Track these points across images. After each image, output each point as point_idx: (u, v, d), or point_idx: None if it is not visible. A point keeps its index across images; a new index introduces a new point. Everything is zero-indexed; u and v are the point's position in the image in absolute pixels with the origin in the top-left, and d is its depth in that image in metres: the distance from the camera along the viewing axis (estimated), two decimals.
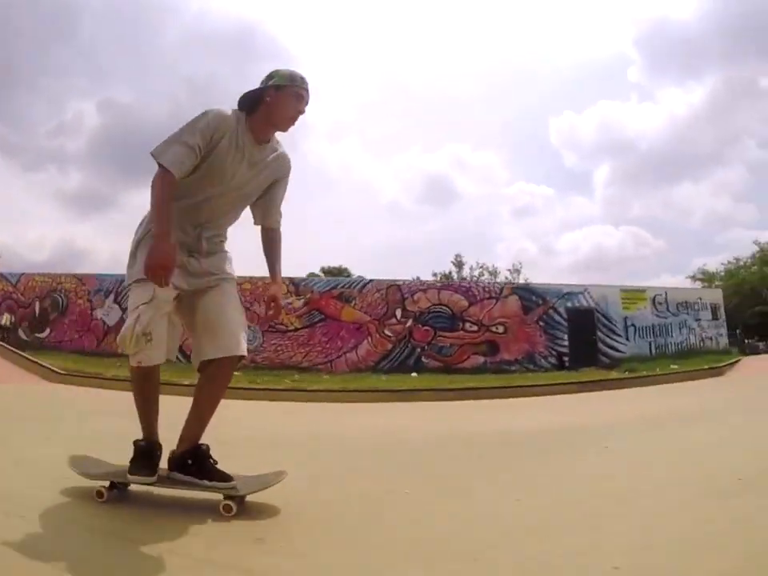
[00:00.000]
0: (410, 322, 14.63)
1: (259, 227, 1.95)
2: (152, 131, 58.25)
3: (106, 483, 1.68)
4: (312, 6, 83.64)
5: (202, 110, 1.68)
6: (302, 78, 1.75)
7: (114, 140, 59.87)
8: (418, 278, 20.85)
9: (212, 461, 1.70)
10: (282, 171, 1.89)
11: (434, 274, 33.10)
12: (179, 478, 1.68)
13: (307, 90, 1.76)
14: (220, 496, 1.63)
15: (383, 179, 70.54)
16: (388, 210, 64.70)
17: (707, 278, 31.48)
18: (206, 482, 1.64)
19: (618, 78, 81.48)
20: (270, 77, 1.75)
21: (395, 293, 14.83)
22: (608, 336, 16.16)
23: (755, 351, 23.74)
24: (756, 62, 63.64)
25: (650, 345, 16.96)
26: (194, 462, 1.68)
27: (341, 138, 76.07)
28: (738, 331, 30.87)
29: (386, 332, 14.62)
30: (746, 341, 30.23)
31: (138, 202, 55.60)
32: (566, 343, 15.43)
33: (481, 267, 33.94)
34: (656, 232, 67.21)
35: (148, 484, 1.68)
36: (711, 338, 18.47)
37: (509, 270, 33.28)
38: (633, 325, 16.72)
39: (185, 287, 1.72)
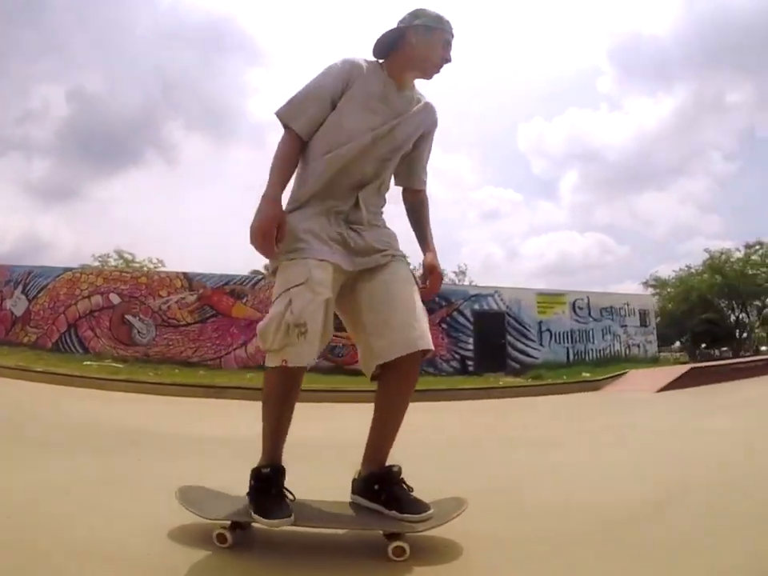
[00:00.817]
0: None
1: (400, 190, 1.66)
2: (121, 122, 57.42)
3: (227, 523, 1.28)
4: (284, 1, 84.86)
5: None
6: (449, 23, 1.52)
7: (82, 129, 57.83)
8: None
9: (405, 486, 1.36)
10: (429, 123, 1.60)
11: None
12: (364, 504, 1.37)
13: (453, 38, 1.53)
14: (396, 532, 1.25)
15: None
16: None
17: (659, 284, 31.17)
18: (396, 514, 1.29)
19: (589, 87, 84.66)
20: (415, 15, 1.48)
21: None
22: (519, 341, 15.47)
23: (708, 358, 23.21)
24: (723, 77, 64.61)
25: (568, 351, 16.27)
26: (382, 487, 1.34)
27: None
28: (684, 338, 30.65)
29: None
30: (698, 348, 29.76)
31: (104, 195, 55.06)
32: (471, 347, 14.75)
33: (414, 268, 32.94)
34: (621, 239, 67.75)
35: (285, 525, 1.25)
36: (639, 345, 17.72)
37: (454, 271, 32.41)
38: (548, 330, 16.01)
39: (346, 268, 1.38)
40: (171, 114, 65.26)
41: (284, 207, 1.39)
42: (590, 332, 16.52)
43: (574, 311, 16.52)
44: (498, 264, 62.19)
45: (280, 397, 1.33)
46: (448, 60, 1.52)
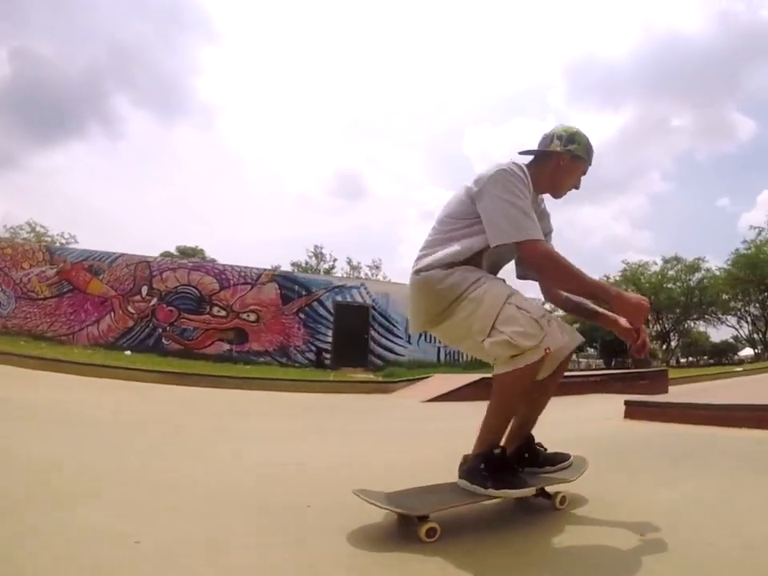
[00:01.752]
0: (154, 301, 13.93)
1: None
2: (65, 89, 55.62)
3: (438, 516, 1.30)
4: None
5: (496, 169, 1.52)
6: (593, 153, 1.72)
7: (24, 92, 52.47)
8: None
9: (540, 447, 1.67)
10: (550, 227, 1.78)
11: (292, 264, 32.38)
12: (536, 471, 1.60)
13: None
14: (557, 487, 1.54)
15: (296, 169, 72.20)
16: (298, 200, 65.77)
17: None
18: (551, 468, 1.61)
19: (539, 99, 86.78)
20: (572, 140, 1.65)
21: (144, 269, 14.12)
22: (384, 336, 15.53)
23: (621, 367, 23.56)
24: (669, 102, 68.62)
25: (439, 351, 16.45)
26: (530, 453, 1.63)
27: (260, 120, 76.84)
28: (596, 345, 31.38)
29: (130, 309, 13.94)
30: (614, 358, 30.41)
31: (44, 165, 53.33)
32: (330, 339, 14.86)
33: (334, 260, 33.17)
34: (558, 247, 69.82)
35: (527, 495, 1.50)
36: None
37: (368, 265, 32.73)
38: None
39: None
40: (119, 86, 63.07)
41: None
42: None
43: None
44: None
45: (525, 391, 1.45)
46: (577, 188, 1.71)
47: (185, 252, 29.11)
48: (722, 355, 41.92)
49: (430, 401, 7.33)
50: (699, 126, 68.03)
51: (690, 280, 33.70)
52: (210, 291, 14.12)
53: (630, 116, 73.31)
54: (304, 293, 14.75)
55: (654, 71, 69.99)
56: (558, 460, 1.63)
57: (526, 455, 1.60)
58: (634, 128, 71.62)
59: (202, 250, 31.39)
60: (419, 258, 1.58)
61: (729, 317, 35.43)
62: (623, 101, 74.12)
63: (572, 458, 1.66)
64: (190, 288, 14.07)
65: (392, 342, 15.62)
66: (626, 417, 3.92)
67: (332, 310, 14.98)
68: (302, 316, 14.67)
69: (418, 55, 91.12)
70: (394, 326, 15.68)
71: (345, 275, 29.19)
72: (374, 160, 74.34)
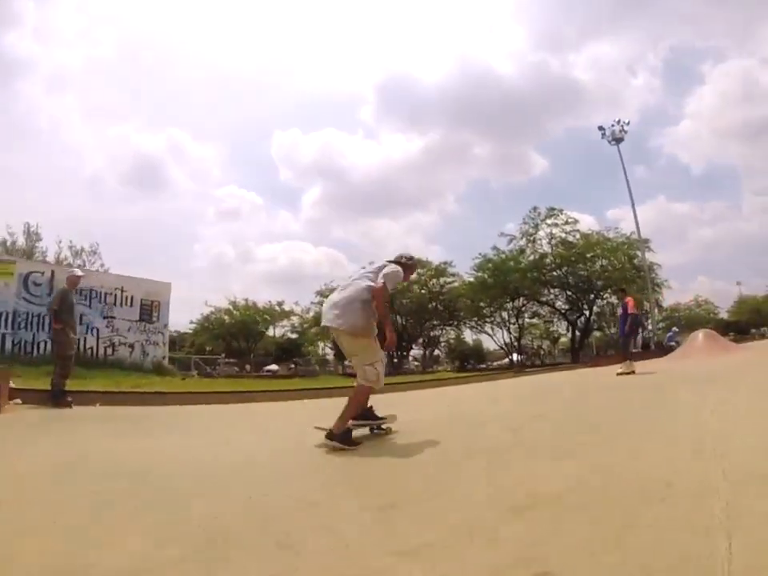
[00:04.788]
0: None
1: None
2: None
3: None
4: None
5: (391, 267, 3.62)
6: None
7: None
8: None
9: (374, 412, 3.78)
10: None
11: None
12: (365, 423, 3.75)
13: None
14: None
15: (92, 148, 63.82)
16: (89, 183, 58.81)
17: None
18: (379, 421, 3.80)
19: (352, 112, 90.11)
20: (410, 257, 3.90)
21: None
22: None
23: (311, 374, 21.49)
24: (470, 132, 78.94)
25: (4, 339, 11.86)
26: (371, 414, 3.76)
27: (59, 89, 64.13)
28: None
29: None
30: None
31: None
32: None
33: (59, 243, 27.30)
34: (351, 257, 73.85)
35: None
36: (133, 346, 13.34)
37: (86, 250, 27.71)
38: None
39: None
40: None
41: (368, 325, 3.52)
42: (46, 318, 12.27)
43: (26, 287, 12.20)
44: (230, 263, 67.10)
45: (368, 396, 3.60)
46: (407, 280, 4.04)
47: None
48: (481, 361, 44.76)
49: None
50: (497, 158, 77.15)
51: (433, 284, 34.96)
52: None
53: (434, 139, 78.02)
54: None
55: (463, 101, 76.40)
56: (381, 418, 3.79)
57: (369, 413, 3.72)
58: (437, 151, 76.77)
59: None
60: (336, 308, 3.48)
61: (487, 324, 37.23)
62: (430, 124, 79.24)
63: (388, 417, 3.84)
64: None
65: None
66: None
67: None
68: None
69: (236, 52, 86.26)
70: None
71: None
72: (177, 150, 69.95)
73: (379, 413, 3.78)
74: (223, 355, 35.98)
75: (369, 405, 3.61)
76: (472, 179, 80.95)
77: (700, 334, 15.11)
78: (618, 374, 9.33)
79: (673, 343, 20.36)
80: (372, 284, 3.40)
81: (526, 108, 76.39)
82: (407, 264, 3.73)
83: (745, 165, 74.97)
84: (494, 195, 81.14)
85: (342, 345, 3.49)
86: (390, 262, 3.67)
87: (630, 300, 10.02)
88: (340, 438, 3.20)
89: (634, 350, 11.70)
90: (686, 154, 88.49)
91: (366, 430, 3.68)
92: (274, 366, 33.05)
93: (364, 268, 3.82)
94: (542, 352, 50.03)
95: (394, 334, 3.42)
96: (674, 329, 25.60)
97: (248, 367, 34.56)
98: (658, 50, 75.32)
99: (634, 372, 9.33)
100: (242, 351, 40.14)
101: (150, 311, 13.67)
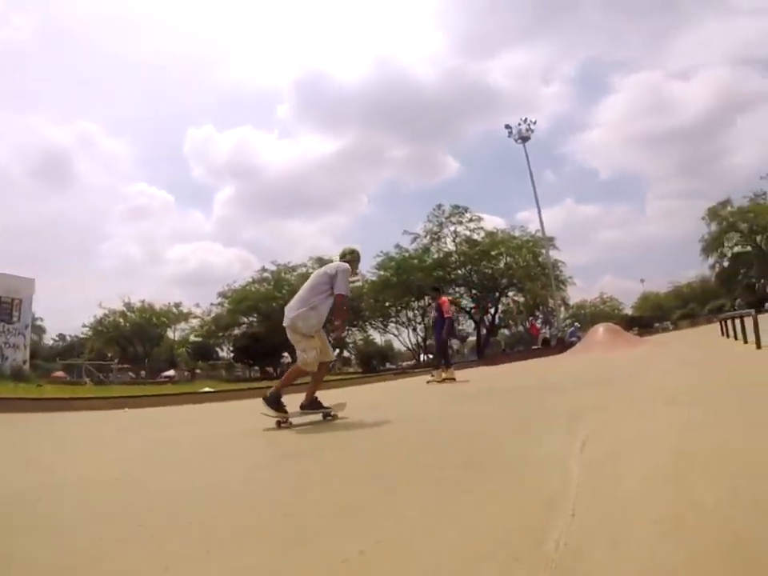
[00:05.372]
0: None
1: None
2: None
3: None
4: None
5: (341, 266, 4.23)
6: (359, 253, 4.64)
7: None
8: None
9: (320, 402, 4.26)
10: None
11: None
12: (310, 412, 4.23)
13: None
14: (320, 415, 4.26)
15: None
16: None
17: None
18: (322, 410, 4.23)
19: (269, 110, 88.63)
20: (352, 252, 4.48)
21: None
22: None
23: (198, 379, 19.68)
24: (385, 136, 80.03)
25: None
26: (316, 403, 4.25)
27: None
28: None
29: None
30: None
31: None
32: None
33: None
34: (261, 257, 72.55)
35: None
36: None
37: None
38: None
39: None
40: None
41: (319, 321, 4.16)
42: None
43: None
44: (138, 265, 64.35)
45: (301, 375, 4.26)
46: (355, 273, 4.72)
47: None
48: (387, 362, 44.36)
49: None
50: (412, 160, 77.89)
51: None
52: None
53: (350, 141, 79.02)
54: None
55: (380, 104, 76.96)
56: (328, 406, 4.26)
57: (316, 402, 4.28)
58: (352, 153, 77.53)
59: None
60: (294, 309, 4.10)
61: (392, 323, 37.04)
62: (346, 125, 79.36)
63: (333, 405, 4.31)
64: None
65: None
66: None
67: None
68: None
69: (162, 42, 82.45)
70: None
71: None
72: (87, 144, 65.23)
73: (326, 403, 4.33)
74: (116, 361, 32.54)
75: (315, 397, 4.22)
76: (385, 181, 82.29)
77: (600, 328, 15.73)
78: (428, 383, 8.77)
79: (574, 338, 21.44)
80: (322, 295, 4.08)
81: (442, 111, 78.63)
82: (351, 259, 4.40)
83: (649, 171, 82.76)
84: (406, 197, 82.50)
85: (289, 336, 4.11)
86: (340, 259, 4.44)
87: (444, 301, 9.18)
88: (268, 401, 3.91)
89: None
90: (595, 160, 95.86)
91: (319, 416, 4.19)
92: (171, 372, 30.56)
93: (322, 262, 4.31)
94: (450, 351, 50.93)
95: (342, 332, 5.05)
96: (576, 324, 27.27)
97: (143, 373, 31.53)
98: (572, 60, 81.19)
99: (454, 379, 8.64)
100: (139, 356, 36.54)
101: (10, 310, 11.33)
